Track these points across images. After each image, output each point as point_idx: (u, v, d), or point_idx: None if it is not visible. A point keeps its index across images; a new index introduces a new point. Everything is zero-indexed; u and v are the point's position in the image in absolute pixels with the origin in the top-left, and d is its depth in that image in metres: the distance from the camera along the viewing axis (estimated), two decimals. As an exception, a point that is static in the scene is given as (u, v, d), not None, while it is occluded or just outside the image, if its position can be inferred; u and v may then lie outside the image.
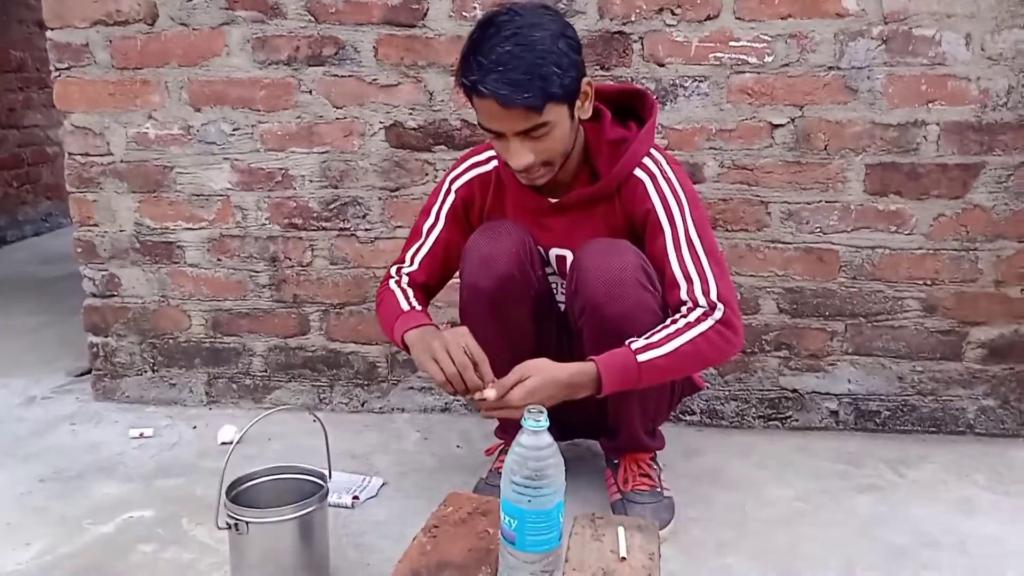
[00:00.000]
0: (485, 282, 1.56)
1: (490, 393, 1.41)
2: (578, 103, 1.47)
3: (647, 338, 1.47)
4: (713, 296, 1.50)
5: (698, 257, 1.53)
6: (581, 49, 1.45)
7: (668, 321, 1.50)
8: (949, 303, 2.04)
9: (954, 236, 2.01)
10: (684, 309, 1.51)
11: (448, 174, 1.72)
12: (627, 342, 1.47)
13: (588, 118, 1.53)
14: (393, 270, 1.73)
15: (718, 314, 1.49)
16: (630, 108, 1.63)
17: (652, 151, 1.58)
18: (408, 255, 1.72)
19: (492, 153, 1.65)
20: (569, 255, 1.62)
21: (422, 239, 1.71)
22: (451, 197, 1.69)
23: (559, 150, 1.48)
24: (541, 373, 1.42)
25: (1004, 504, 1.77)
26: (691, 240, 1.53)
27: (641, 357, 1.44)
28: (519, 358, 1.60)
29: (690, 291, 1.51)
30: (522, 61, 1.35)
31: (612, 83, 1.94)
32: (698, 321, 1.48)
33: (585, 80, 1.46)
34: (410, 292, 1.66)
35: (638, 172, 1.56)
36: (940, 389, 2.09)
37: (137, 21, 2.12)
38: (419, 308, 1.62)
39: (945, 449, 2.03)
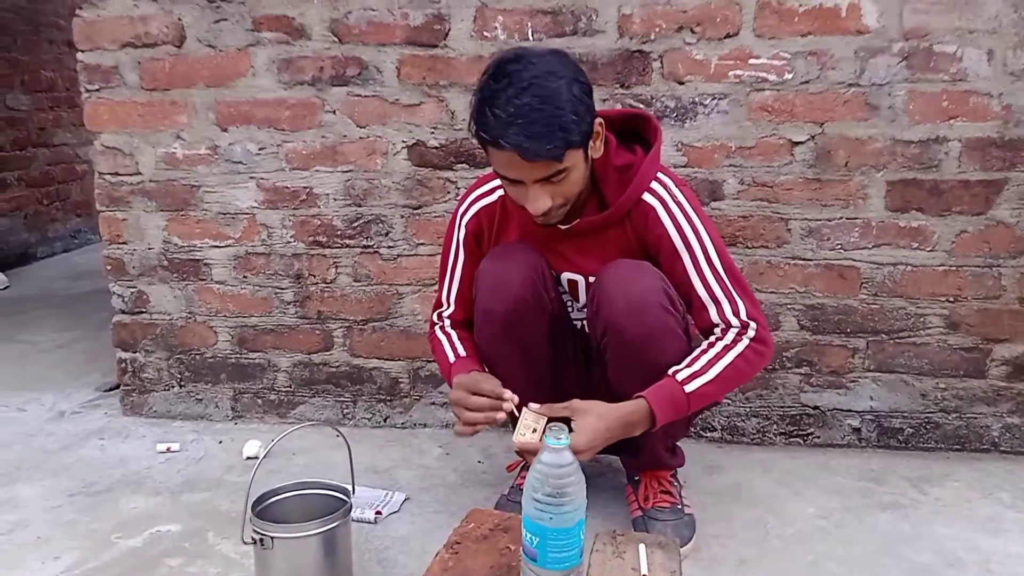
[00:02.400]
0: (499, 306, 1.57)
1: (508, 406, 1.46)
2: (591, 143, 1.47)
3: (689, 366, 1.50)
4: (744, 315, 1.54)
5: (721, 279, 1.55)
6: (592, 91, 1.45)
7: (705, 346, 1.54)
8: (972, 320, 2.03)
9: (977, 253, 2.00)
10: (718, 331, 1.55)
11: (456, 210, 1.73)
12: (671, 372, 1.50)
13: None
14: (435, 316, 1.78)
15: (752, 332, 1.54)
16: (633, 131, 1.63)
17: (659, 174, 1.58)
18: (443, 296, 1.76)
19: (495, 184, 1.65)
20: (581, 279, 1.63)
21: (449, 278, 1.74)
22: (462, 232, 1.71)
23: (575, 191, 1.49)
24: (595, 413, 1.45)
25: (1030, 523, 1.76)
26: (711, 262, 1.55)
27: (688, 387, 1.48)
28: (536, 379, 1.63)
29: (720, 313, 1.54)
30: (541, 113, 1.34)
31: (615, 108, 1.95)
32: (735, 343, 1.53)
33: (597, 121, 1.47)
34: (454, 335, 1.71)
35: (647, 197, 1.56)
36: (964, 406, 2.08)
37: (165, 43, 2.16)
38: (463, 354, 1.67)
39: (969, 467, 2.01)
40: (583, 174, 1.48)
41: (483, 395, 1.48)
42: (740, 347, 1.52)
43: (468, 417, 1.49)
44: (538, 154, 1.36)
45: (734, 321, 1.54)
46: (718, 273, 1.55)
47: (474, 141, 2.06)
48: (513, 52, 1.42)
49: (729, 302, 1.54)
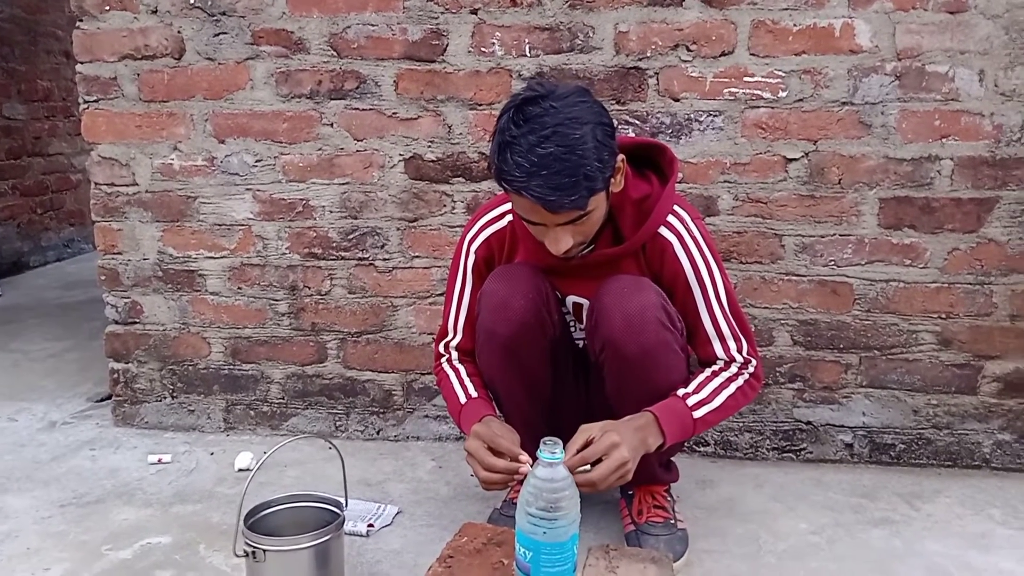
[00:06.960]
0: (501, 328, 1.56)
1: (525, 468, 1.39)
2: (612, 180, 1.45)
3: (697, 392, 1.53)
4: (745, 352, 1.61)
5: (728, 316, 1.60)
6: (615, 129, 1.43)
7: (709, 373, 1.58)
8: (964, 337, 2.04)
9: (969, 270, 2.01)
10: (720, 363, 1.59)
11: (464, 235, 1.71)
12: (680, 394, 1.52)
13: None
14: (441, 347, 1.75)
15: (751, 368, 1.61)
16: (646, 157, 1.62)
17: (676, 207, 1.58)
18: (450, 325, 1.73)
19: (504, 208, 1.65)
20: (586, 303, 1.62)
21: (456, 305, 1.71)
22: (472, 258, 1.68)
23: (596, 228, 1.49)
24: (616, 429, 1.41)
25: (1020, 539, 1.76)
26: (720, 299, 1.59)
27: (697, 413, 1.51)
28: (535, 399, 1.64)
29: (725, 350, 1.60)
30: (566, 163, 1.31)
31: (631, 136, 1.96)
32: (737, 375, 1.59)
33: (620, 158, 1.44)
34: (463, 371, 1.68)
35: (664, 231, 1.56)
36: (955, 423, 2.09)
37: (164, 55, 2.17)
38: (474, 394, 1.63)
39: (960, 483, 2.02)
40: (604, 211, 1.47)
41: (500, 451, 1.43)
42: (740, 381, 1.58)
43: (485, 476, 1.43)
44: (563, 206, 1.34)
45: (738, 357, 1.60)
46: (725, 311, 1.59)
47: (470, 155, 2.11)
48: (534, 92, 1.37)
49: (734, 339, 1.60)
